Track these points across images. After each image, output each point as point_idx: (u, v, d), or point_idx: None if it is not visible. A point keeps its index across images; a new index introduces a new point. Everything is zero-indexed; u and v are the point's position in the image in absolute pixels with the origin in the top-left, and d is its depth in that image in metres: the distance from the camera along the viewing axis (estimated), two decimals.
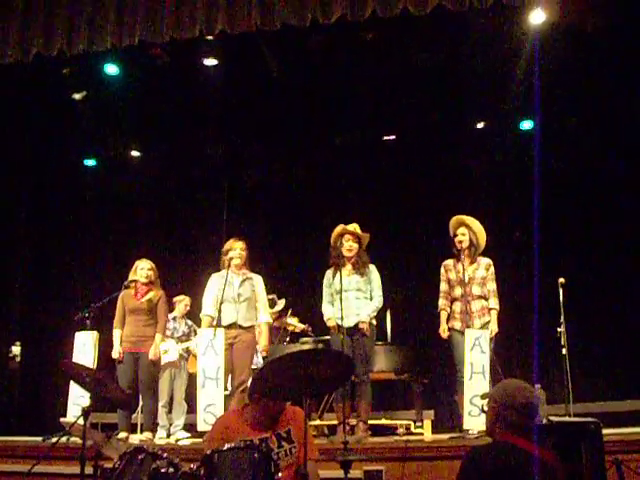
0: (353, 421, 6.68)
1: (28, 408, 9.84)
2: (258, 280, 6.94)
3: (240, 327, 6.68)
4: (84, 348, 7.35)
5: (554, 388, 6.80)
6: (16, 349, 10.19)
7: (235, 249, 6.83)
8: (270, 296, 7.91)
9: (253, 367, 7.10)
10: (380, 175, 10.41)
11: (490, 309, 6.57)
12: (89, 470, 4.03)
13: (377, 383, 7.28)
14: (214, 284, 6.86)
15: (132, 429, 7.44)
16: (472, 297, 6.55)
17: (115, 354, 7.19)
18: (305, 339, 8.45)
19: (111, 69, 8.84)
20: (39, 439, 6.72)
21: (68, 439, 5.85)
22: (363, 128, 10.14)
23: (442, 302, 6.74)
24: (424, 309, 8.34)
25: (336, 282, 6.53)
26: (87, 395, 4.59)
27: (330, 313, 6.65)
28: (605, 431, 4.17)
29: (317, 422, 8.10)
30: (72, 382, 6.15)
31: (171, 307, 8.21)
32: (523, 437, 3.11)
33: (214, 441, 3.86)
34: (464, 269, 6.56)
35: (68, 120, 9.57)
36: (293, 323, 8.82)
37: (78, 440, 4.63)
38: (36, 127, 9.66)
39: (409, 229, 10.10)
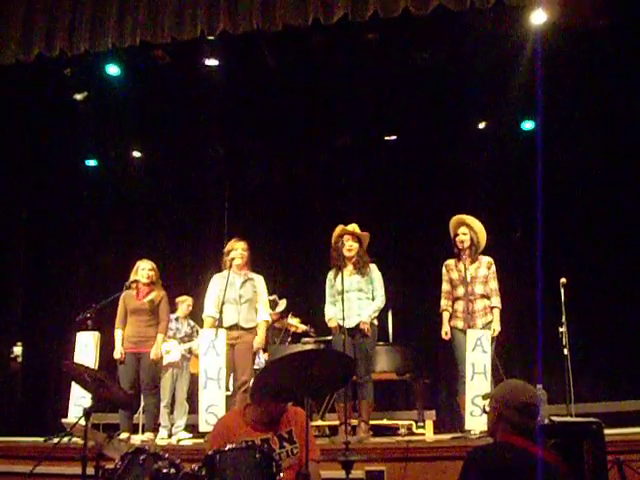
0: (355, 421, 6.67)
1: (30, 409, 9.84)
2: (259, 280, 6.95)
3: (241, 328, 6.69)
4: (85, 349, 7.36)
5: (555, 388, 6.78)
6: (17, 350, 10.20)
7: (236, 249, 6.83)
8: (271, 297, 7.91)
9: (255, 368, 7.10)
10: (381, 175, 10.41)
11: (492, 308, 6.57)
12: (90, 471, 4.04)
13: (379, 383, 7.28)
14: (216, 285, 6.87)
15: (133, 430, 7.45)
16: (475, 296, 6.55)
17: (117, 354, 7.19)
18: (306, 340, 8.45)
19: (112, 69, 8.84)
20: (41, 440, 6.72)
21: (70, 440, 5.86)
22: (364, 128, 10.14)
23: (444, 302, 6.74)
24: (425, 309, 8.33)
25: (337, 283, 6.53)
26: (88, 396, 4.61)
27: (331, 314, 6.65)
28: (607, 431, 4.17)
29: (319, 422, 8.11)
30: (73, 383, 6.16)
31: (173, 307, 8.21)
32: (525, 437, 3.11)
33: (216, 442, 3.86)
34: (466, 268, 6.57)
35: (69, 120, 9.57)
36: (294, 324, 8.82)
37: (79, 441, 4.64)
38: (37, 127, 9.67)
39: (410, 229, 10.09)
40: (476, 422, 6.09)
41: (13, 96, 8.67)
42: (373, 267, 6.77)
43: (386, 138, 10.43)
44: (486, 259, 6.68)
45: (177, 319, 8.37)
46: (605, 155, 8.94)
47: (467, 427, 6.23)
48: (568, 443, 3.89)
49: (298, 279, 10.12)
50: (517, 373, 7.69)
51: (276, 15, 6.54)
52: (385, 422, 8.09)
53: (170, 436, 7.71)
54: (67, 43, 6.98)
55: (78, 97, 9.36)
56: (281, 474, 3.56)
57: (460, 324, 6.57)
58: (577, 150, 9.07)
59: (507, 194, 9.54)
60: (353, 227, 6.78)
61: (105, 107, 9.49)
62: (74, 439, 5.83)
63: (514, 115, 9.45)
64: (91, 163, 10.97)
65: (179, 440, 7.37)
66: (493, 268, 6.66)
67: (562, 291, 6.64)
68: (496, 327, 6.50)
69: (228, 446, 3.58)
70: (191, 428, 7.65)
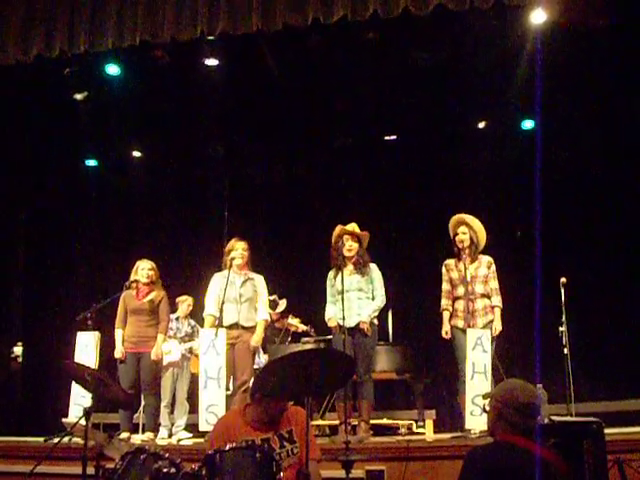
0: (355, 421, 6.68)
1: (30, 408, 9.84)
2: (260, 280, 6.96)
3: (242, 327, 6.71)
4: (86, 348, 7.36)
5: (555, 388, 6.78)
6: (18, 350, 10.20)
7: (237, 249, 6.84)
8: (271, 297, 7.92)
9: (255, 367, 7.10)
10: (381, 175, 10.41)
11: (493, 307, 6.58)
12: (91, 470, 4.04)
13: (379, 383, 7.28)
14: (216, 284, 6.88)
15: (134, 429, 7.45)
16: (475, 295, 6.56)
17: (117, 354, 7.20)
18: (307, 339, 8.45)
19: (112, 69, 8.83)
20: (41, 439, 6.67)
21: (70, 439, 5.84)
22: (364, 128, 10.13)
23: (444, 302, 6.75)
24: (426, 309, 8.33)
25: (337, 282, 6.54)
26: (89, 395, 4.60)
27: (331, 313, 6.66)
28: (607, 431, 4.17)
29: (319, 422, 8.11)
30: (74, 382, 6.16)
31: (174, 307, 8.21)
32: (525, 437, 3.11)
33: (216, 441, 3.87)
34: (466, 268, 6.57)
35: (69, 120, 9.56)
36: (295, 324, 8.82)
37: (80, 440, 4.63)
38: (37, 127, 9.66)
39: (410, 229, 10.09)
40: (476, 421, 6.09)
41: (13, 96, 8.66)
42: (373, 267, 6.78)
43: (386, 138, 10.43)
44: (486, 258, 6.69)
45: (177, 319, 8.37)
46: (605, 154, 8.93)
47: (467, 426, 6.24)
48: (568, 443, 3.88)
49: (298, 279, 10.11)
50: (517, 372, 7.65)
51: (276, 15, 6.54)
52: (385, 422, 8.09)
53: (170, 436, 7.71)
54: (67, 43, 6.97)
55: (78, 97, 9.34)
56: (281, 474, 3.57)
57: (460, 323, 6.57)
58: (577, 149, 9.08)
59: (507, 193, 9.53)
60: (353, 227, 6.78)
61: (105, 107, 9.48)
62: (74, 439, 5.81)
63: (514, 114, 9.44)
64: (91, 163, 10.96)
65: (179, 440, 7.37)
66: (493, 267, 6.67)
67: (562, 291, 6.64)
68: (497, 326, 6.51)
69: (228, 446, 3.58)
70: (191, 428, 7.65)
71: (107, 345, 7.48)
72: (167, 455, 3.69)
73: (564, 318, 6.58)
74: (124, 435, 6.87)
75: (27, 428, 8.60)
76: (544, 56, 7.15)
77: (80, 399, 6.99)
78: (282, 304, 8.73)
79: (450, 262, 6.79)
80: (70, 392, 7.25)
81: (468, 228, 6.66)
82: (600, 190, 9.00)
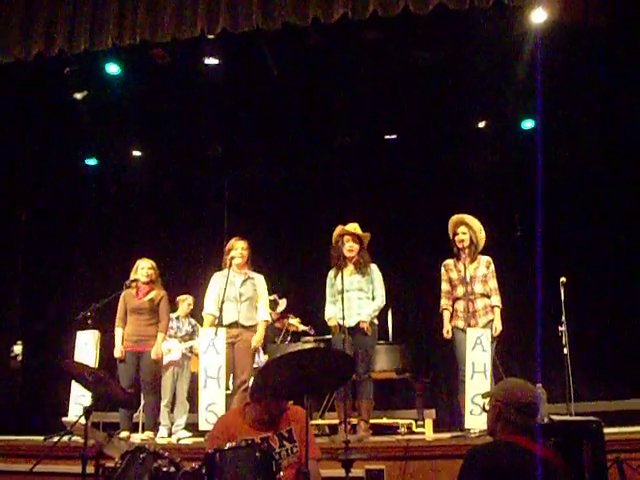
0: (354, 420, 6.68)
1: (29, 407, 9.84)
2: (260, 279, 6.96)
3: (241, 326, 6.71)
4: (85, 347, 7.37)
5: (555, 387, 6.79)
6: (17, 348, 10.20)
7: (236, 248, 6.84)
8: (271, 297, 7.92)
9: (255, 366, 7.10)
10: (381, 174, 10.41)
11: (493, 307, 6.58)
12: (91, 469, 4.04)
13: (378, 382, 7.28)
14: (216, 283, 6.88)
15: (133, 428, 7.45)
16: (475, 295, 6.57)
17: (117, 353, 7.19)
18: (306, 338, 8.46)
19: (112, 68, 8.84)
20: (41, 438, 6.71)
21: (70, 438, 5.86)
22: (364, 127, 10.13)
23: (444, 302, 6.75)
24: (425, 308, 8.34)
25: (337, 282, 6.54)
26: (88, 394, 4.60)
27: (331, 313, 6.66)
28: (606, 430, 4.17)
29: (318, 421, 8.11)
30: (73, 381, 6.16)
31: (174, 306, 8.22)
32: (524, 436, 3.11)
33: (215, 440, 3.86)
34: (465, 268, 6.58)
35: (69, 120, 9.57)
36: (295, 324, 8.82)
37: (80, 439, 4.63)
38: (37, 127, 9.67)
39: (410, 228, 10.09)
40: (476, 421, 6.09)
41: (13, 95, 8.66)
42: (374, 267, 6.78)
43: (386, 137, 10.43)
44: (485, 258, 6.70)
45: (178, 318, 8.37)
46: (605, 154, 8.93)
47: (467, 426, 6.23)
48: (568, 442, 3.89)
49: (298, 279, 10.12)
50: (517, 372, 7.68)
51: (276, 14, 6.53)
52: (385, 421, 8.09)
53: (170, 435, 7.71)
54: (67, 42, 6.97)
55: (78, 96, 9.35)
56: (281, 473, 3.57)
57: (461, 323, 6.58)
58: (577, 149, 9.07)
59: (507, 193, 9.54)
60: (354, 227, 6.77)
61: (105, 106, 9.49)
62: (74, 438, 5.83)
63: (514, 114, 9.45)
64: (91, 162, 10.96)
65: (179, 439, 7.37)
66: (492, 267, 6.67)
67: (562, 290, 6.65)
68: (497, 326, 6.51)
69: (228, 445, 3.58)
70: (191, 427, 7.66)
71: (107, 344, 7.48)
72: (167, 454, 3.69)
73: (564, 318, 6.58)
74: (124, 434, 6.87)
75: (27, 427, 8.60)
76: (544, 56, 7.15)
77: (80, 398, 7.00)
78: (282, 304, 8.73)
79: (449, 262, 6.80)
80: (70, 391, 7.25)
81: (468, 228, 6.66)
82: (600, 190, 9.00)
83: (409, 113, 9.67)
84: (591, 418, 4.21)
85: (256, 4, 6.53)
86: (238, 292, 6.77)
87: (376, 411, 7.40)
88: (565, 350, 6.55)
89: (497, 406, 3.22)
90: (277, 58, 8.61)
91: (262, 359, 8.06)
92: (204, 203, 10.93)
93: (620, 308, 8.65)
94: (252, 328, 6.79)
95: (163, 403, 7.77)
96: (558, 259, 8.19)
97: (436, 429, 7.58)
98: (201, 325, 7.23)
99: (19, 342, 10.25)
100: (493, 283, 6.63)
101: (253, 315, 6.82)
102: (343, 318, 6.38)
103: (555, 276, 6.70)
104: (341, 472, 3.88)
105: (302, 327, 8.85)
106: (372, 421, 6.86)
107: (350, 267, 6.72)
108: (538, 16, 7.39)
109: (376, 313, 6.70)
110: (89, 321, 7.34)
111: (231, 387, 6.92)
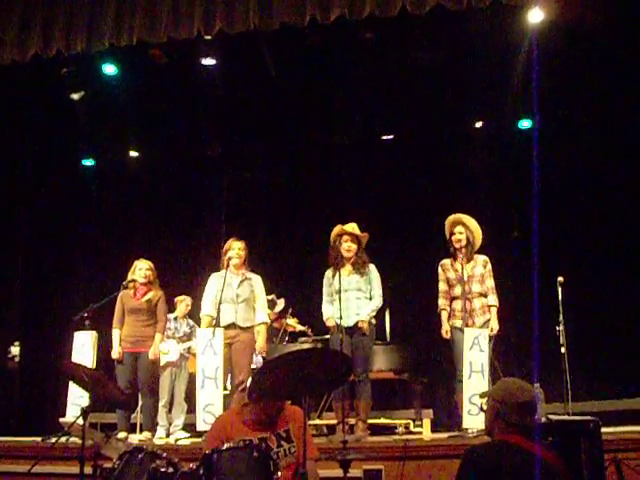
0: (352, 420, 6.68)
1: (27, 408, 9.83)
2: (257, 280, 6.95)
3: (239, 327, 6.70)
4: (83, 348, 7.37)
5: (553, 387, 6.79)
6: (15, 349, 10.18)
7: (233, 249, 6.84)
8: (269, 297, 7.92)
9: (252, 367, 7.10)
10: (379, 174, 10.41)
11: (490, 306, 6.59)
12: (88, 470, 4.03)
13: (376, 382, 7.28)
14: (213, 284, 6.87)
15: (131, 429, 7.45)
16: (472, 295, 6.58)
17: (115, 354, 7.19)
18: (304, 339, 8.46)
19: (109, 69, 8.83)
20: (38, 439, 6.72)
21: (67, 439, 5.86)
22: (362, 127, 10.13)
23: (442, 302, 6.75)
24: (423, 308, 8.34)
25: (335, 282, 6.54)
26: (86, 395, 4.59)
27: (329, 313, 6.66)
28: (604, 430, 4.18)
29: (316, 421, 8.11)
30: (71, 382, 6.15)
31: (172, 307, 8.22)
32: (522, 436, 3.12)
33: (213, 441, 3.87)
34: (462, 267, 6.58)
35: (66, 120, 9.56)
36: (293, 324, 8.83)
37: (77, 440, 4.64)
38: (34, 127, 9.66)
39: (408, 228, 10.09)
40: (474, 421, 6.10)
41: (10, 96, 8.65)
42: (372, 267, 6.77)
43: (383, 137, 10.43)
44: (482, 258, 6.71)
45: (176, 319, 8.38)
46: (603, 153, 8.93)
47: (465, 426, 6.24)
48: (565, 441, 3.90)
49: (296, 279, 10.12)
50: (514, 372, 7.69)
51: (273, 14, 6.54)
52: (383, 421, 8.10)
53: (168, 435, 7.72)
54: (64, 43, 6.97)
55: (75, 97, 9.33)
56: (279, 473, 3.57)
57: (459, 323, 6.58)
58: (574, 148, 9.07)
59: (504, 193, 9.55)
60: (352, 227, 6.77)
61: (102, 107, 9.48)
62: (72, 438, 5.83)
63: (511, 114, 9.45)
64: (88, 163, 10.95)
65: (177, 439, 7.38)
66: (489, 266, 6.69)
67: (559, 290, 6.65)
68: (494, 326, 6.52)
69: (226, 445, 3.58)
70: (189, 427, 7.66)
71: (104, 345, 7.48)
72: (165, 455, 3.69)
73: (561, 317, 6.59)
74: (122, 435, 6.87)
75: (25, 428, 8.60)
76: (541, 55, 7.15)
77: (78, 399, 6.99)
78: (280, 304, 8.74)
79: (446, 262, 6.81)
80: (67, 392, 7.25)
81: (465, 228, 6.67)
82: (597, 189, 9.01)
83: (407, 113, 9.67)
84: (589, 418, 4.21)
85: (253, 4, 6.54)
86: (235, 293, 6.76)
87: (374, 411, 7.40)
88: (563, 350, 6.55)
89: (495, 406, 3.22)
90: (275, 58, 8.60)
91: (260, 359, 8.05)
92: (202, 203, 10.92)
93: (618, 308, 8.65)
94: (249, 329, 6.78)
95: (161, 404, 7.77)
96: (555, 259, 8.19)
97: (434, 429, 7.58)
98: (199, 326, 7.23)
99: (17, 343, 10.24)
100: (490, 282, 6.64)
101: (250, 316, 6.81)
102: (340, 318, 6.39)
103: (552, 276, 6.70)
104: (339, 472, 3.88)
105: (300, 327, 8.86)
106: (370, 421, 6.86)
107: (348, 267, 6.71)
108: (535, 16, 7.41)
109: (374, 313, 6.70)
110: (87, 322, 7.34)
111: (229, 387, 6.92)
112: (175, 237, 10.84)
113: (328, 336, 6.96)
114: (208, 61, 8.78)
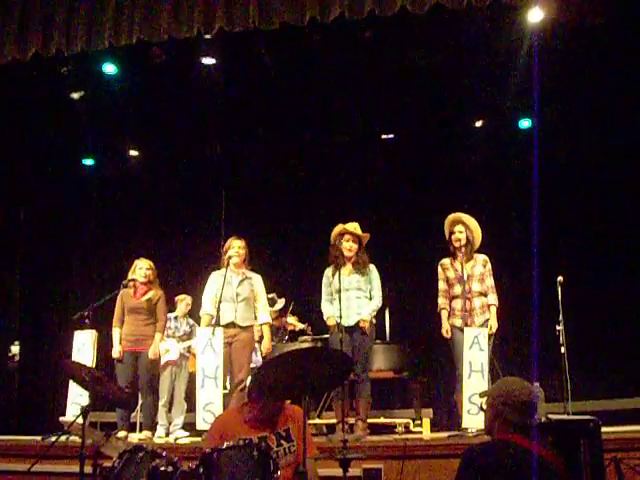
0: (352, 420, 6.68)
1: (27, 407, 9.84)
2: (257, 279, 6.96)
3: (238, 326, 6.71)
4: (83, 347, 7.37)
5: (553, 386, 6.79)
6: (15, 348, 10.20)
7: (233, 248, 6.86)
8: (270, 295, 7.93)
9: (252, 366, 7.11)
10: (378, 173, 10.41)
11: (489, 305, 6.59)
12: (88, 469, 4.03)
13: (376, 382, 7.28)
14: (213, 282, 6.89)
15: (131, 428, 7.45)
16: (472, 294, 6.58)
17: (115, 353, 7.20)
18: (304, 338, 8.46)
19: (109, 68, 8.82)
20: (38, 438, 6.73)
21: (67, 438, 5.86)
22: (361, 127, 10.13)
23: (442, 301, 6.76)
24: (423, 308, 8.34)
25: (335, 281, 6.54)
26: (86, 394, 4.59)
27: (330, 312, 6.65)
28: (604, 429, 4.17)
29: (316, 421, 8.11)
30: (71, 381, 6.15)
31: (172, 306, 8.22)
32: (522, 435, 3.12)
33: (213, 440, 3.87)
34: (462, 266, 6.59)
35: (66, 120, 9.55)
36: (293, 322, 8.84)
37: (77, 439, 4.64)
38: (34, 126, 9.64)
39: (407, 227, 10.09)
40: (473, 420, 6.10)
41: (9, 95, 8.64)
42: (372, 267, 6.78)
43: (383, 136, 10.43)
44: (482, 257, 6.72)
45: (176, 318, 8.38)
46: (603, 153, 8.93)
47: (464, 425, 6.24)
48: (565, 441, 3.89)
49: (296, 278, 10.12)
50: (514, 371, 7.68)
51: (273, 14, 6.53)
52: (382, 420, 8.10)
53: (168, 434, 7.72)
54: (64, 42, 6.96)
55: (75, 96, 9.33)
56: (278, 472, 3.57)
57: (458, 322, 6.59)
58: (574, 148, 9.08)
59: (504, 192, 9.55)
60: (354, 227, 6.76)
61: (102, 106, 9.46)
62: (72, 437, 5.84)
63: (511, 113, 9.45)
64: (88, 162, 10.94)
65: (177, 438, 7.38)
66: (489, 266, 6.70)
67: (559, 289, 6.65)
68: (493, 325, 6.53)
69: (225, 444, 3.58)
70: (188, 426, 7.66)
71: (104, 344, 7.48)
72: (164, 454, 3.68)
73: (561, 317, 6.59)
74: (121, 434, 6.87)
75: (25, 427, 8.62)
76: (541, 54, 7.15)
77: (78, 398, 6.99)
78: (280, 302, 8.74)
79: (446, 261, 6.81)
80: (67, 391, 7.24)
81: (464, 227, 6.68)
82: (597, 188, 9.01)
83: (406, 112, 9.67)
84: (588, 417, 4.21)
85: (253, 4, 6.53)
86: (235, 292, 6.77)
87: (374, 410, 7.41)
88: (562, 349, 6.55)
89: (494, 405, 3.22)
90: (274, 58, 8.60)
91: (259, 358, 8.06)
92: (202, 203, 10.91)
93: (617, 307, 8.66)
94: (249, 328, 6.80)
95: (161, 403, 7.78)
96: (555, 258, 8.20)
97: (433, 428, 7.58)
98: (199, 325, 7.23)
99: (17, 342, 10.25)
100: (490, 282, 6.65)
101: (250, 315, 6.83)
102: (340, 317, 6.39)
103: (552, 275, 6.70)
104: (339, 471, 3.87)
105: (300, 325, 8.87)
106: (370, 420, 6.87)
107: (348, 266, 6.71)
108: (535, 15, 7.40)
109: (375, 313, 6.71)
110: (87, 321, 7.33)
111: (228, 387, 6.93)
112: (175, 236, 10.84)
113: (328, 335, 6.96)
114: (208, 60, 8.77)
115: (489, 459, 3.03)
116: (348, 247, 6.68)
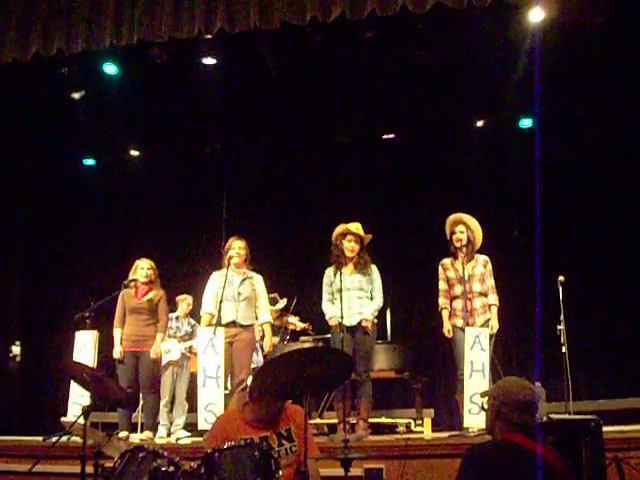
0: (353, 419, 6.68)
1: (28, 408, 9.84)
2: (258, 279, 6.96)
3: (240, 326, 6.71)
4: (84, 347, 7.36)
5: (554, 386, 6.79)
6: (16, 349, 10.20)
7: (234, 248, 6.86)
8: (271, 295, 7.93)
9: (253, 366, 7.11)
10: (379, 173, 10.41)
11: (490, 305, 6.59)
12: (90, 469, 4.03)
13: (377, 382, 7.29)
14: (214, 282, 6.89)
15: (132, 428, 7.45)
16: (473, 294, 6.58)
17: (116, 354, 7.20)
18: (305, 337, 8.46)
19: (110, 68, 8.82)
20: (40, 438, 6.73)
21: (69, 438, 5.87)
22: (362, 126, 10.12)
23: (442, 301, 6.76)
24: (424, 308, 8.34)
25: (337, 281, 6.53)
26: (87, 394, 4.59)
27: (332, 312, 6.64)
28: (605, 429, 4.17)
29: (317, 420, 8.12)
30: (72, 381, 6.15)
31: (173, 306, 8.22)
32: (523, 435, 3.11)
33: (214, 440, 3.87)
34: (463, 267, 6.58)
35: (67, 120, 9.55)
36: (294, 322, 8.83)
37: (78, 439, 4.64)
38: (35, 126, 9.65)
39: (408, 227, 10.08)
40: (474, 420, 6.10)
41: (10, 95, 8.65)
42: (374, 268, 6.77)
43: (384, 136, 10.42)
44: (482, 257, 6.72)
45: (177, 318, 8.38)
46: (604, 153, 8.93)
47: (465, 425, 6.24)
48: (567, 441, 3.89)
49: (296, 277, 10.12)
50: (515, 371, 7.69)
51: (273, 13, 6.53)
52: (384, 420, 8.10)
53: (169, 435, 7.72)
54: (64, 42, 6.96)
55: (76, 96, 9.33)
56: (280, 472, 3.57)
57: (459, 322, 6.59)
58: (575, 148, 9.07)
59: (505, 192, 9.54)
60: (357, 228, 6.74)
61: (103, 106, 9.47)
62: (73, 438, 5.85)
63: (512, 113, 9.44)
64: (89, 162, 10.94)
65: (178, 439, 7.38)
66: (489, 266, 6.70)
67: (560, 289, 6.65)
68: (494, 325, 6.53)
69: (227, 444, 3.58)
70: (190, 427, 7.66)
71: (106, 344, 7.48)
72: (166, 454, 3.68)
73: (562, 316, 6.58)
74: (123, 434, 6.88)
75: (26, 427, 8.62)
76: (542, 54, 7.15)
77: (79, 398, 6.99)
78: (282, 302, 8.74)
79: (447, 261, 6.81)
80: (69, 391, 7.25)
81: (465, 227, 6.67)
82: (598, 188, 9.01)
83: (407, 112, 9.67)
84: (590, 417, 4.21)
85: (253, 4, 6.53)
86: (236, 291, 6.78)
87: (375, 410, 7.40)
88: (563, 349, 6.55)
89: (496, 405, 3.21)
90: (275, 57, 8.60)
91: (260, 358, 8.06)
92: (203, 203, 10.91)
93: (619, 307, 8.65)
94: (250, 327, 6.80)
95: (162, 403, 7.77)
96: (556, 258, 8.19)
97: (435, 428, 7.59)
98: (200, 325, 7.24)
99: (18, 342, 10.25)
100: (490, 282, 6.65)
101: (251, 315, 6.83)
102: (342, 317, 6.39)
103: (553, 275, 6.70)
104: (340, 471, 3.87)
105: (301, 324, 8.87)
106: (371, 420, 6.86)
107: (350, 266, 6.71)
108: (536, 15, 7.39)
109: (376, 313, 6.71)
110: (88, 321, 7.33)
111: (230, 387, 6.93)
112: (176, 236, 10.84)
113: (329, 335, 6.96)
114: (209, 60, 8.77)
115: (490, 459, 3.03)
116: (350, 247, 6.67)
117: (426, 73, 8.78)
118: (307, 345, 7.81)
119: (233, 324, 6.69)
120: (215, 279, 6.91)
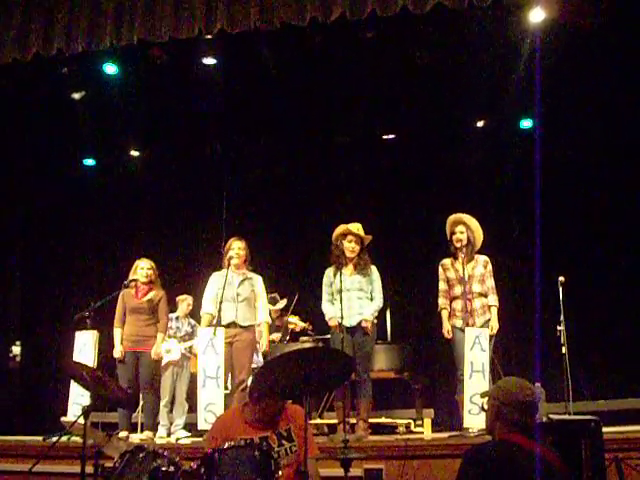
0: (353, 420, 6.68)
1: (28, 407, 9.84)
2: (258, 280, 6.97)
3: (239, 326, 6.72)
4: (84, 347, 7.36)
5: (554, 386, 6.79)
6: (16, 349, 10.20)
7: (234, 248, 6.87)
8: (271, 295, 7.94)
9: (253, 366, 7.11)
10: (379, 173, 10.41)
11: (490, 306, 6.59)
12: (90, 469, 4.03)
13: (377, 382, 7.28)
14: (214, 282, 6.90)
15: (132, 428, 7.46)
16: (473, 295, 6.58)
17: (117, 353, 7.21)
18: (305, 338, 8.46)
19: (110, 69, 8.82)
20: (40, 438, 6.73)
21: (69, 438, 5.88)
22: (363, 127, 10.12)
23: (442, 301, 6.75)
24: (424, 308, 8.33)
25: (337, 281, 6.53)
26: (87, 394, 4.59)
27: (332, 312, 6.64)
28: (605, 429, 4.18)
29: (317, 421, 8.11)
30: (72, 381, 6.15)
31: (173, 306, 8.22)
32: (523, 435, 3.11)
33: (214, 440, 3.87)
34: (463, 267, 6.58)
35: (67, 120, 9.55)
36: (294, 322, 8.84)
37: (79, 439, 4.65)
38: (35, 127, 9.65)
39: (409, 227, 10.09)
40: (474, 420, 6.10)
41: (10, 95, 8.65)
42: (374, 269, 6.77)
43: (384, 137, 10.42)
44: (482, 258, 6.72)
45: (177, 318, 8.37)
46: (604, 153, 8.93)
47: (465, 425, 6.24)
48: (566, 441, 3.89)
49: (296, 278, 10.11)
50: (515, 371, 7.69)
51: (274, 14, 6.54)
52: (383, 420, 8.10)
53: (169, 435, 7.72)
54: (64, 42, 6.97)
55: (76, 96, 9.33)
56: (280, 472, 3.57)
57: (459, 323, 6.58)
58: (575, 148, 9.07)
59: (505, 192, 9.54)
60: (357, 228, 6.73)
61: (103, 106, 9.47)
62: (73, 438, 5.86)
63: (512, 113, 9.44)
64: (89, 162, 10.94)
65: (178, 439, 7.38)
66: (489, 267, 6.69)
67: (560, 289, 6.65)
68: (494, 325, 6.53)
69: (227, 444, 3.58)
70: (190, 427, 7.66)
71: (106, 344, 7.48)
72: (166, 454, 3.69)
73: (562, 317, 6.58)
74: (123, 434, 6.88)
75: (26, 427, 8.62)
76: (542, 54, 7.15)
77: (79, 398, 6.99)
78: (282, 303, 8.74)
79: (447, 261, 6.81)
80: (69, 391, 7.24)
81: (466, 227, 6.67)
82: (598, 188, 9.00)
83: (408, 113, 9.66)
84: (590, 417, 4.21)
85: (253, 4, 6.53)
86: (236, 292, 6.78)
87: (375, 411, 7.41)
88: (563, 349, 6.55)
89: (496, 405, 3.21)
90: (275, 58, 8.60)
91: (260, 358, 8.06)
92: (203, 203, 10.91)
93: (619, 307, 8.65)
94: (250, 328, 6.81)
95: (162, 403, 7.78)
96: (556, 258, 8.19)
97: (435, 428, 7.58)
98: (200, 325, 7.24)
99: (18, 342, 10.25)
100: (490, 282, 6.65)
101: (251, 315, 6.83)
102: (342, 317, 6.39)
103: (553, 275, 6.70)
104: (340, 471, 3.88)
105: (301, 324, 8.87)
106: (371, 420, 6.87)
107: (350, 267, 6.71)
108: (536, 15, 7.39)
109: (376, 313, 6.71)
110: (88, 321, 7.33)
111: (229, 387, 6.93)
112: (176, 236, 10.84)
113: (329, 335, 6.96)
114: (209, 60, 8.77)
115: (490, 459, 3.03)
116: (350, 248, 6.67)
117: (426, 73, 8.78)
118: (307, 345, 7.81)
119: (233, 325, 6.70)
120: (215, 280, 6.92)
